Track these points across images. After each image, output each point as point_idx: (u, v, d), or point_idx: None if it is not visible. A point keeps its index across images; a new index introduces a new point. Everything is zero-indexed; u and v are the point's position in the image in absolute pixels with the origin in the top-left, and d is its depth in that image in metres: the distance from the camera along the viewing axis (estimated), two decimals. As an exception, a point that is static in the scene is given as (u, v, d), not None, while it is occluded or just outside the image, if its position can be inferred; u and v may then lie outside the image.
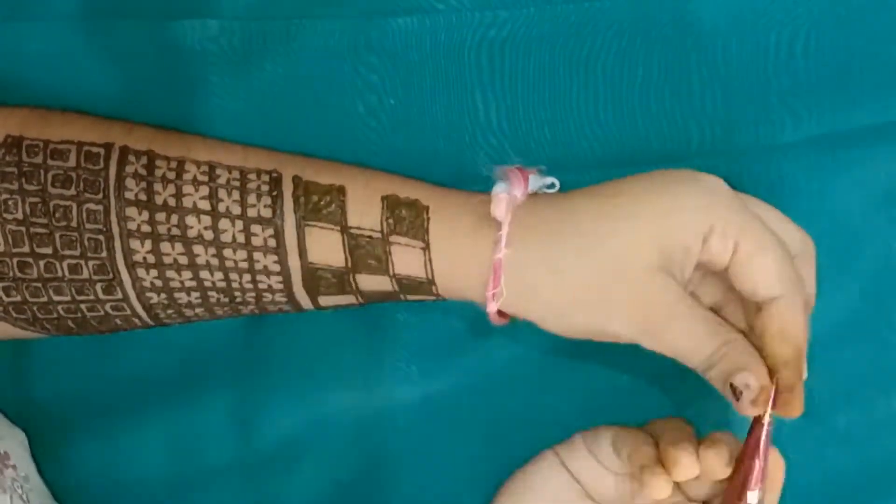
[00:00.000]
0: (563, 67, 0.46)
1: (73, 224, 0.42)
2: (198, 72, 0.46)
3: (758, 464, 0.41)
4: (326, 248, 0.42)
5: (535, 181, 0.43)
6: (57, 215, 0.42)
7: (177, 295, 0.43)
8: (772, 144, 0.47)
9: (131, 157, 0.42)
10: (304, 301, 0.44)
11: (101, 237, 0.42)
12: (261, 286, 0.43)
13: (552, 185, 0.43)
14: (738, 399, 0.39)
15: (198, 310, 0.44)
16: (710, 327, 0.40)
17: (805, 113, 0.47)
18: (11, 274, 0.43)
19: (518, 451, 0.51)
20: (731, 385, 0.39)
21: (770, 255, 0.39)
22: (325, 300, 0.44)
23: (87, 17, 0.46)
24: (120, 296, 0.43)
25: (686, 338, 0.40)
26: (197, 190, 0.42)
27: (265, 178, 0.43)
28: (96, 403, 0.52)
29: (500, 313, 0.43)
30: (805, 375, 0.40)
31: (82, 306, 0.44)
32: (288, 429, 0.52)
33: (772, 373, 0.40)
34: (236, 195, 0.42)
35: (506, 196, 0.41)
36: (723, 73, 0.46)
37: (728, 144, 0.47)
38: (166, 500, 0.53)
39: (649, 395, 0.51)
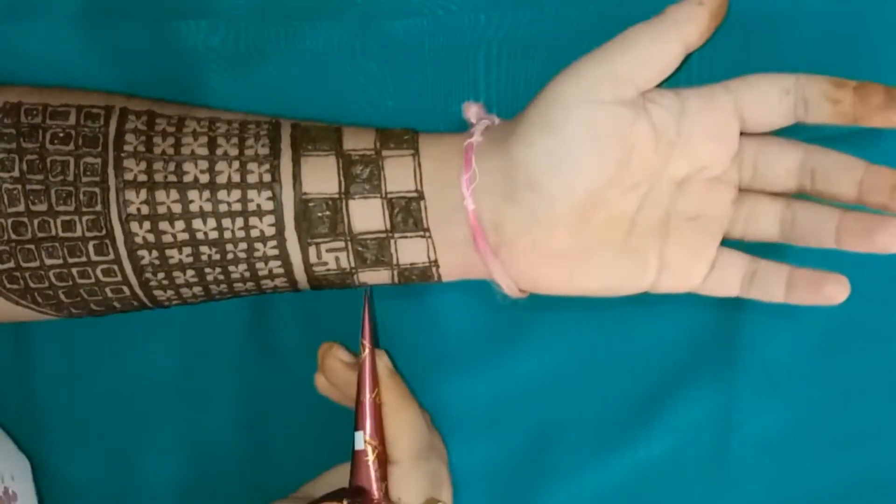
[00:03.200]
0: (561, 69, 0.48)
1: (70, 178, 0.43)
2: (197, 72, 0.48)
3: (365, 402, 0.44)
4: (321, 173, 0.43)
5: None
6: (54, 171, 0.43)
7: (168, 252, 0.44)
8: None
9: (132, 116, 0.44)
10: (296, 256, 0.44)
11: (96, 189, 0.43)
12: (253, 233, 0.43)
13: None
14: None
15: (189, 273, 0.44)
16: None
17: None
18: (6, 236, 0.43)
19: (517, 451, 0.50)
20: None
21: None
22: (315, 254, 0.44)
23: (87, 17, 0.48)
24: (111, 256, 0.43)
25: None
26: (196, 140, 0.43)
27: (265, 125, 0.44)
28: (101, 404, 0.52)
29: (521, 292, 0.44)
30: None
31: (74, 271, 0.44)
32: (295, 426, 0.51)
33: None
34: (235, 140, 0.43)
35: (477, 104, 0.44)
36: (722, 75, 0.47)
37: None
38: (176, 497, 0.52)
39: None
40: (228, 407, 0.51)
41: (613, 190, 0.42)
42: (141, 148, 0.43)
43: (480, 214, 0.42)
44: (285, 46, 0.48)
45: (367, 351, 0.45)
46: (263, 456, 0.51)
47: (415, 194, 0.43)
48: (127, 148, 0.43)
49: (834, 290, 0.42)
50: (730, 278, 0.44)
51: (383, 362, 0.45)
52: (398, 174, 0.43)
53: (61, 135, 0.43)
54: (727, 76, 0.44)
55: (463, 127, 0.47)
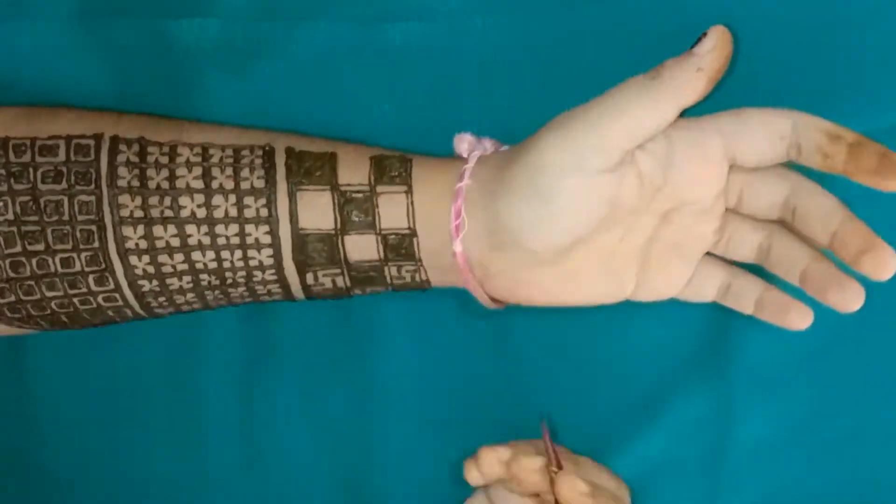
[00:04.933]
0: (561, 73, 0.47)
1: (65, 218, 0.43)
2: (195, 72, 0.47)
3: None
4: (317, 210, 0.43)
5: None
6: (48, 211, 0.43)
7: (168, 281, 0.45)
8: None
9: (122, 146, 0.43)
10: (293, 280, 0.45)
11: (93, 227, 0.43)
12: (251, 263, 0.44)
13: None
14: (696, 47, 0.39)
15: (189, 296, 0.45)
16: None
17: None
18: (4, 275, 0.44)
19: None
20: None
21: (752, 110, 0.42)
22: (312, 277, 0.45)
23: (84, 16, 0.47)
24: (112, 286, 0.44)
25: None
26: (190, 171, 0.43)
27: (258, 152, 0.44)
28: (96, 401, 0.53)
29: (494, 300, 0.45)
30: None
31: (75, 300, 0.45)
32: (289, 424, 0.52)
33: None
34: (229, 171, 0.43)
35: (468, 136, 0.44)
36: (722, 78, 0.46)
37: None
38: (172, 498, 0.53)
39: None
40: (224, 406, 0.52)
41: (596, 232, 0.43)
42: (135, 183, 0.43)
43: (468, 254, 0.43)
44: (282, 47, 0.47)
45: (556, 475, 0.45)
46: (260, 456, 0.53)
47: (408, 231, 0.44)
48: (121, 183, 0.43)
49: (796, 320, 0.43)
50: (706, 288, 0.46)
51: (577, 488, 0.44)
52: (392, 212, 0.44)
53: (52, 173, 0.43)
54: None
55: (458, 125, 0.47)
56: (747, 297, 0.45)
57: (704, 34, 0.39)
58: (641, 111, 0.40)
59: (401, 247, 0.44)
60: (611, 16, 0.46)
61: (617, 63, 0.46)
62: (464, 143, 0.44)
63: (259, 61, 0.47)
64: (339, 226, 0.44)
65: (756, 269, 0.45)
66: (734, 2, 0.46)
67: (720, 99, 0.42)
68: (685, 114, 0.41)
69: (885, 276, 0.40)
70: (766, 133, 0.41)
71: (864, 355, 0.50)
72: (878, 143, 0.39)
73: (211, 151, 0.44)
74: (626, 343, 0.50)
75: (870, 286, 0.41)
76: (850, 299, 0.42)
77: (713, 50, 0.39)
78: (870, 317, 0.43)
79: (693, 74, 0.39)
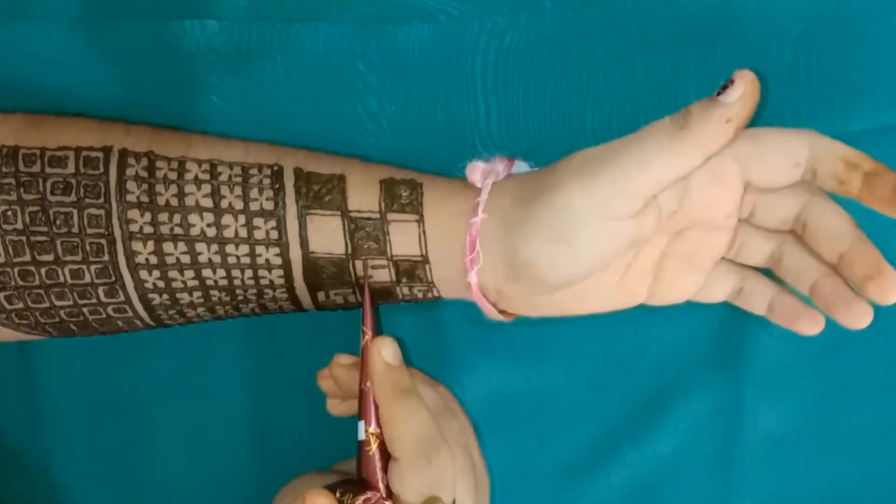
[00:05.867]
0: (564, 74, 0.47)
1: (75, 230, 0.42)
2: (198, 73, 0.47)
3: (366, 391, 0.43)
4: (327, 235, 0.43)
5: (521, 165, 0.45)
6: (58, 222, 0.42)
7: (179, 295, 0.44)
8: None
9: (131, 160, 0.43)
10: (304, 297, 0.45)
11: (102, 241, 0.43)
12: (262, 282, 0.44)
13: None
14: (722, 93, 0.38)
15: (199, 309, 0.45)
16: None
17: (806, 116, 0.47)
18: (13, 283, 0.43)
19: (525, 451, 0.52)
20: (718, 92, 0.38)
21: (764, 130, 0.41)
22: (324, 296, 0.45)
23: (87, 18, 0.46)
24: (122, 298, 0.44)
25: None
26: (199, 188, 0.43)
27: (267, 171, 0.43)
28: (105, 406, 0.53)
29: (503, 313, 0.45)
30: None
31: (84, 310, 0.44)
32: (301, 424, 0.52)
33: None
34: (238, 191, 0.43)
35: (481, 164, 0.43)
36: (723, 79, 0.46)
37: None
38: (183, 500, 0.53)
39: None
40: (233, 406, 0.52)
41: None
42: (144, 198, 0.43)
43: (483, 283, 0.43)
44: (286, 47, 0.47)
45: (366, 338, 0.44)
46: (269, 455, 0.53)
47: (420, 259, 0.43)
48: (130, 198, 0.43)
49: (807, 326, 0.43)
50: (718, 291, 0.45)
51: (378, 352, 0.43)
52: (403, 241, 0.43)
53: (62, 185, 0.42)
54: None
55: (462, 127, 0.47)
56: (759, 299, 0.45)
57: (731, 80, 0.38)
58: (669, 161, 0.39)
59: (413, 272, 0.44)
60: (613, 17, 0.46)
61: (620, 62, 0.47)
62: (476, 172, 0.43)
63: (262, 61, 0.47)
64: (349, 251, 0.43)
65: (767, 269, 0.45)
66: (735, 1, 0.46)
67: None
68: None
69: (888, 302, 0.40)
70: (782, 161, 0.40)
71: (874, 353, 0.50)
72: (894, 173, 0.39)
73: (219, 169, 0.43)
74: (635, 341, 0.50)
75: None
76: (856, 318, 0.41)
77: (741, 98, 0.38)
78: (881, 315, 0.43)
79: (722, 126, 0.38)
